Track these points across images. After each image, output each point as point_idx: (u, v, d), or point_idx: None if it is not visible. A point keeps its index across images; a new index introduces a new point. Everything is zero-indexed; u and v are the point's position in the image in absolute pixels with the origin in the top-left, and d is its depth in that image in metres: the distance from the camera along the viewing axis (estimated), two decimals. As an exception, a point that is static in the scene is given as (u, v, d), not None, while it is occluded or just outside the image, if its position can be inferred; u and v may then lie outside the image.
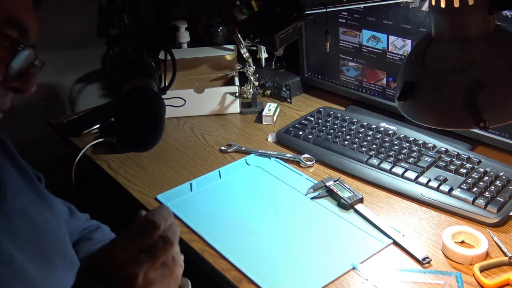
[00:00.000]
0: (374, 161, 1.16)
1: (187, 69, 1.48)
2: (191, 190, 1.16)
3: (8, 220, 0.71)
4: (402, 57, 1.29)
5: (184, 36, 1.64)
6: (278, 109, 1.46)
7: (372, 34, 1.33)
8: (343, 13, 1.36)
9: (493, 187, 1.04)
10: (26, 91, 0.66)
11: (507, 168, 1.09)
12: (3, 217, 0.71)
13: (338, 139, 1.25)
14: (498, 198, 1.01)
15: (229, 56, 1.49)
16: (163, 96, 1.35)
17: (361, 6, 1.31)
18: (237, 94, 1.46)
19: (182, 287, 0.73)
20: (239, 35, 1.35)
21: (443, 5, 0.72)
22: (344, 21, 1.38)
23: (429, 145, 1.18)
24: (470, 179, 1.06)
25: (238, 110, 1.48)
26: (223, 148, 1.30)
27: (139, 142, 1.29)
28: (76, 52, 1.64)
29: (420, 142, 1.20)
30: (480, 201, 1.01)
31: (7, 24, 0.62)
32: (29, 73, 0.65)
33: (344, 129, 1.29)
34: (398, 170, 1.12)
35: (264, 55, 1.60)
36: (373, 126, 1.28)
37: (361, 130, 1.28)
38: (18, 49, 0.63)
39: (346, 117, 1.33)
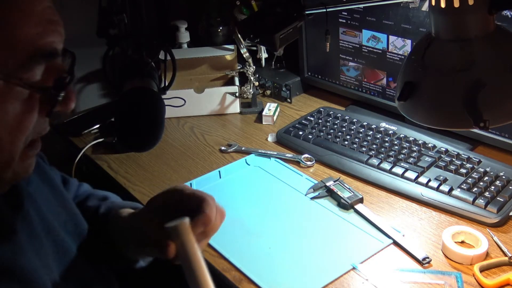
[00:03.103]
0: (374, 161, 1.16)
1: (187, 69, 1.48)
2: (191, 190, 1.15)
3: (34, 235, 0.70)
4: (402, 57, 1.29)
5: (184, 36, 1.64)
6: (278, 109, 1.46)
7: (372, 34, 1.33)
8: (343, 13, 1.36)
9: (493, 187, 1.04)
10: (67, 111, 0.62)
11: (507, 168, 1.09)
12: (29, 232, 0.69)
13: (338, 139, 1.25)
14: (498, 198, 1.01)
15: (229, 56, 1.49)
16: (163, 96, 1.35)
17: (361, 6, 1.31)
18: (237, 94, 1.46)
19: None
20: (239, 35, 1.35)
21: (443, 5, 0.72)
22: (344, 21, 1.38)
23: (429, 145, 1.18)
24: (470, 179, 1.06)
25: (238, 110, 1.48)
26: (223, 148, 1.30)
27: (139, 142, 1.29)
28: (76, 52, 1.64)
29: (420, 142, 1.20)
30: (480, 201, 1.01)
31: (34, 63, 0.56)
32: (67, 95, 0.60)
33: (344, 129, 1.29)
34: (398, 170, 1.12)
35: (264, 55, 1.59)
36: (373, 126, 1.28)
37: (361, 130, 1.28)
38: (56, 97, 0.58)
39: (346, 117, 1.33)
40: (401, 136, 1.23)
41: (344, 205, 1.06)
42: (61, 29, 0.59)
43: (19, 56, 0.55)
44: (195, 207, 0.72)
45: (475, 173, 1.08)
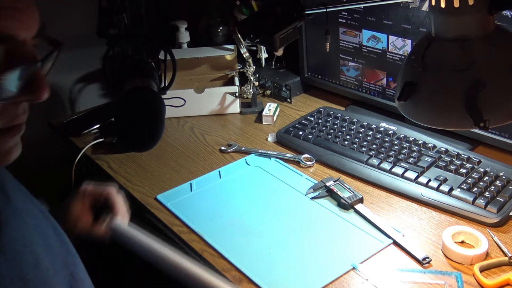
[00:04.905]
0: (374, 161, 1.16)
1: (187, 69, 1.48)
2: (191, 190, 1.16)
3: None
4: (402, 57, 1.29)
5: (184, 36, 1.64)
6: (278, 109, 1.46)
7: (372, 34, 1.33)
8: (343, 13, 1.36)
9: (493, 187, 1.04)
10: (38, 100, 0.60)
11: (507, 168, 1.09)
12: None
13: (338, 139, 1.25)
14: (498, 198, 1.01)
15: (229, 56, 1.49)
16: (163, 96, 1.35)
17: (361, 6, 1.31)
18: (237, 94, 1.46)
19: None
20: (239, 35, 1.35)
21: (443, 5, 0.72)
22: (344, 21, 1.38)
23: (429, 145, 1.18)
24: (470, 179, 1.06)
25: (238, 110, 1.48)
26: (223, 148, 1.30)
27: (139, 142, 1.30)
28: (76, 52, 1.64)
29: (420, 142, 1.20)
30: (480, 201, 1.01)
31: None
32: (35, 84, 0.59)
33: (344, 129, 1.29)
34: (398, 170, 1.12)
35: (264, 55, 1.59)
36: (373, 126, 1.28)
37: (361, 130, 1.28)
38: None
39: (346, 117, 1.33)
40: (401, 136, 1.23)
41: (344, 205, 1.06)
42: (23, 16, 0.59)
43: None
44: (103, 197, 0.97)
45: (475, 173, 1.08)
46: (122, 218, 0.96)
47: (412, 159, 1.15)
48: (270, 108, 1.44)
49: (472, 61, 0.73)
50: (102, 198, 0.97)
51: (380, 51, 1.33)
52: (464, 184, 1.05)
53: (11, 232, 0.67)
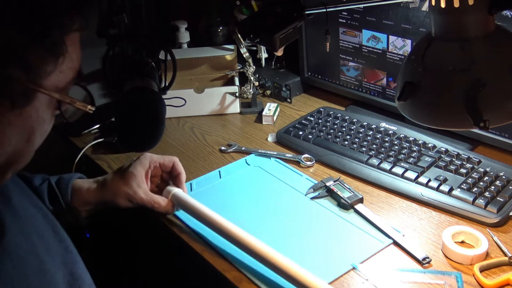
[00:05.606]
0: (374, 161, 1.16)
1: (187, 69, 1.48)
2: (191, 190, 1.16)
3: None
4: (402, 57, 1.29)
5: (184, 36, 1.64)
6: (278, 109, 1.46)
7: (372, 34, 1.33)
8: (343, 13, 1.36)
9: (493, 187, 1.04)
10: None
11: (507, 168, 1.09)
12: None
13: (338, 139, 1.25)
14: (498, 198, 1.01)
15: (229, 56, 1.49)
16: (163, 96, 1.35)
17: (361, 6, 1.31)
18: (237, 94, 1.46)
19: None
20: (239, 35, 1.35)
21: (443, 5, 0.72)
22: (344, 21, 1.38)
23: (429, 145, 1.18)
24: (470, 179, 1.06)
25: (238, 110, 1.48)
26: (223, 148, 1.30)
27: (139, 142, 1.29)
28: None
29: (420, 142, 1.20)
30: (480, 201, 1.01)
31: (73, 82, 0.69)
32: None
33: (344, 129, 1.29)
34: (398, 170, 1.12)
35: (264, 55, 1.59)
36: (373, 126, 1.28)
37: (361, 130, 1.28)
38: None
39: (346, 117, 1.33)
40: (401, 136, 1.23)
41: (344, 205, 1.06)
42: None
43: (69, 78, 0.66)
44: (169, 168, 1.08)
45: (475, 173, 1.08)
46: (184, 188, 1.07)
47: (412, 159, 1.15)
48: (270, 108, 1.44)
49: (472, 61, 0.74)
50: (169, 166, 1.07)
51: (380, 51, 1.33)
52: (464, 184, 1.05)
53: (15, 238, 0.67)
